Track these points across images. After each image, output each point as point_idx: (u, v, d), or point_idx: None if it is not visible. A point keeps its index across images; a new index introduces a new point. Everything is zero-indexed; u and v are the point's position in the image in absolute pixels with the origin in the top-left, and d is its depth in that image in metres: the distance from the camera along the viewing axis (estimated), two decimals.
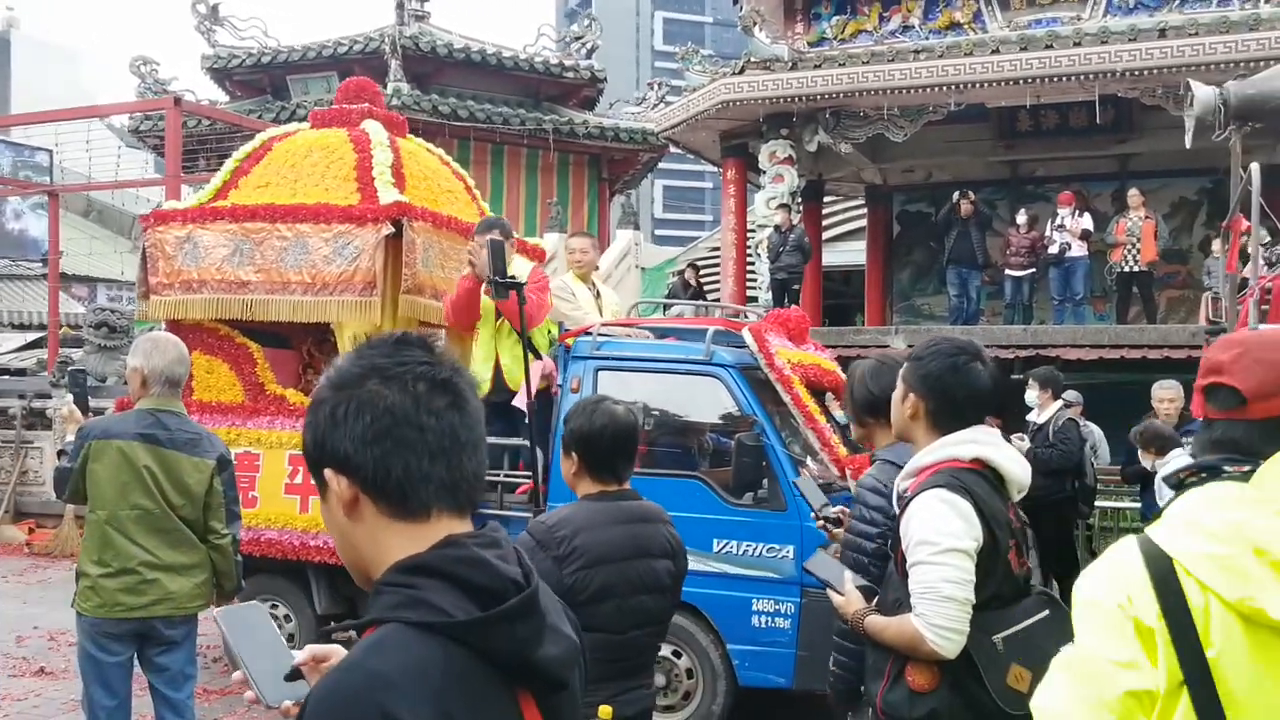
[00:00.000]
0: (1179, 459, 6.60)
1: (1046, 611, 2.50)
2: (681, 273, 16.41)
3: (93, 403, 7.97)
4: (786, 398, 5.39)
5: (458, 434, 1.31)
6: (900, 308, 17.25)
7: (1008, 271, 13.68)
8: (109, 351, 11.35)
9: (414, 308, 6.17)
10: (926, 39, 13.60)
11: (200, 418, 6.15)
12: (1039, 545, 7.94)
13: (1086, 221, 13.11)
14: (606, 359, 5.71)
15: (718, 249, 17.23)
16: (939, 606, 2.40)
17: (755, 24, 13.69)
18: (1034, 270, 13.52)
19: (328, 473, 1.30)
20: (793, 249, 13.33)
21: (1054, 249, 13.08)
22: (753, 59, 13.25)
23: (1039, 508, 7.85)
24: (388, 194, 6.09)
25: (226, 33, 17.84)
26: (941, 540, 2.41)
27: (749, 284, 14.96)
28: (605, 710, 2.75)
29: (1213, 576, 1.34)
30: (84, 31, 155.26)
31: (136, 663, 4.10)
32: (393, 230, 5.96)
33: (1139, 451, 7.00)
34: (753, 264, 14.63)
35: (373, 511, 1.29)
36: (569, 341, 5.88)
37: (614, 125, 18.50)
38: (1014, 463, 2.57)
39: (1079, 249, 13.02)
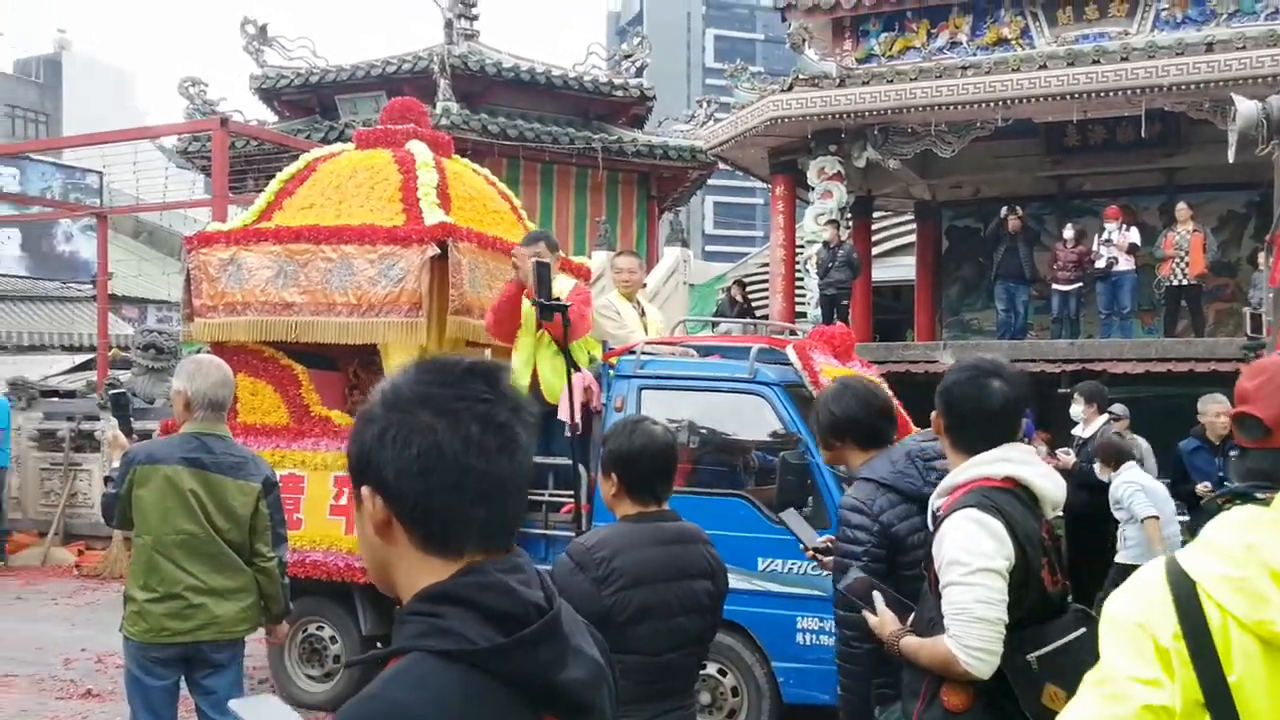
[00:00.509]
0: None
1: (1083, 629, 2.47)
2: (728, 289, 16.36)
3: (140, 424, 8.11)
4: None
5: (504, 480, 1.29)
6: (949, 323, 17.11)
7: (1055, 286, 13.58)
8: (157, 373, 11.50)
9: (461, 328, 6.19)
10: (974, 55, 13.49)
11: (245, 440, 6.19)
12: (1080, 560, 7.83)
13: (1134, 235, 13.01)
14: (650, 378, 5.68)
15: (767, 265, 17.17)
16: (971, 627, 2.39)
17: (804, 41, 13.66)
18: (1081, 285, 13.41)
19: (365, 490, 1.29)
20: (842, 265, 13.26)
21: (1101, 263, 12.98)
22: (801, 76, 13.22)
23: (1081, 522, 7.77)
24: (433, 215, 6.11)
25: (275, 53, 18.10)
26: (973, 560, 2.39)
27: (798, 300, 14.88)
28: None
29: (1229, 599, 1.31)
30: (134, 52, 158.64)
31: (183, 686, 4.10)
32: (438, 251, 5.97)
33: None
34: (801, 280, 14.56)
35: (405, 539, 1.29)
36: (613, 360, 5.85)
37: (663, 143, 18.52)
38: (1047, 480, 2.55)
39: (1126, 263, 12.92)
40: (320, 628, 6.17)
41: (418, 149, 6.59)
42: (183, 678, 4.10)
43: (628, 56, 18.77)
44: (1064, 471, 7.78)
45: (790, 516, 3.81)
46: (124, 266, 21.48)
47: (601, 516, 5.53)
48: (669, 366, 5.79)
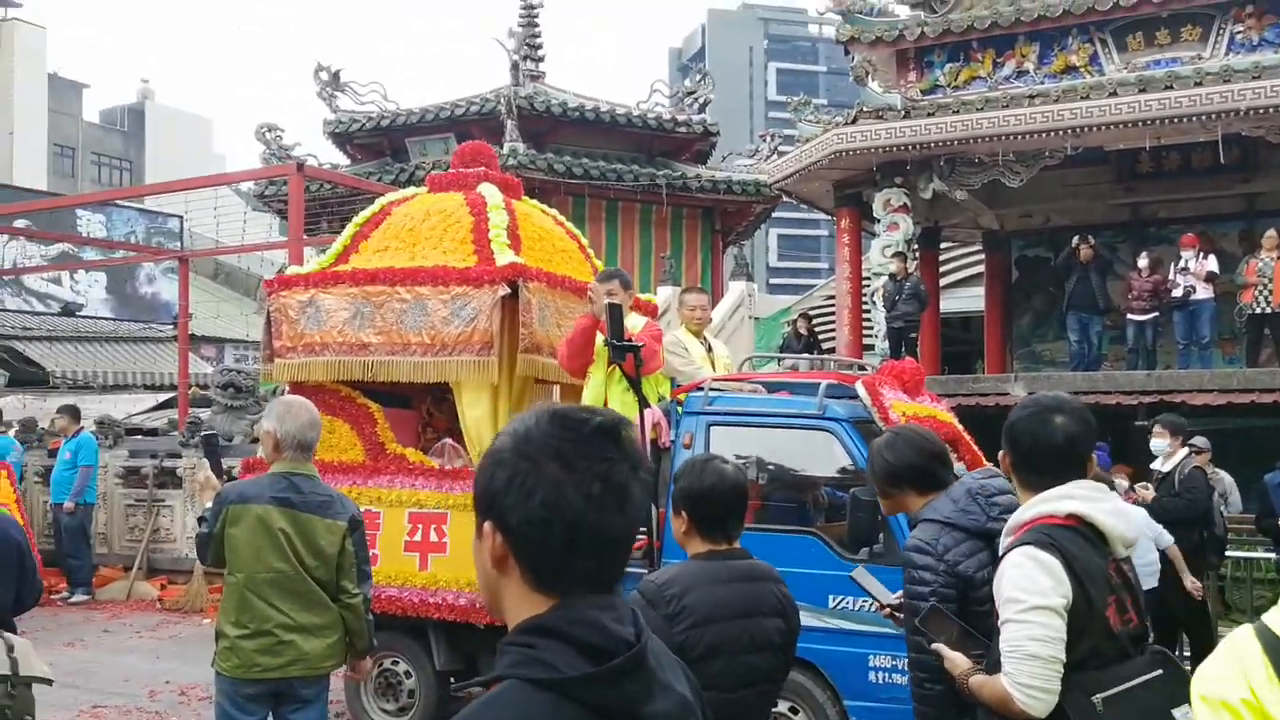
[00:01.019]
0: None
1: (1159, 671, 2.43)
2: (794, 323, 16.33)
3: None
4: None
5: (616, 535, 1.38)
6: (1020, 354, 16.88)
7: (1130, 316, 13.33)
8: (235, 411, 11.78)
9: (531, 366, 6.28)
10: (1042, 83, 13.39)
11: (323, 477, 6.33)
12: (1164, 597, 7.64)
13: (1211, 264, 12.75)
14: (718, 414, 5.71)
15: (833, 297, 17.12)
16: (1024, 664, 2.40)
17: (867, 74, 13.68)
18: (1157, 314, 13.14)
19: (487, 525, 1.38)
20: (909, 297, 13.18)
21: (1178, 292, 12.71)
22: (865, 108, 13.23)
23: (1164, 559, 7.57)
24: (504, 256, 6.23)
25: (347, 98, 18.55)
26: (1028, 598, 2.40)
27: (865, 333, 14.82)
28: None
29: None
30: (213, 99, 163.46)
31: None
32: (509, 291, 6.09)
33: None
34: (868, 313, 14.50)
35: (517, 575, 1.37)
36: (681, 397, 5.90)
37: (726, 178, 18.62)
38: (1114, 517, 2.52)
39: (1204, 291, 12.66)
40: (395, 662, 6.26)
41: (488, 191, 6.73)
42: (270, 714, 4.19)
43: (690, 93, 18.93)
44: (1146, 506, 7.63)
45: (862, 576, 3.82)
46: (203, 308, 22.04)
47: (671, 553, 5.56)
48: (737, 403, 5.82)
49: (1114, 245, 15.77)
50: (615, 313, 4.81)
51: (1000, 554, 2.66)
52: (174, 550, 11.54)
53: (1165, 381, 11.98)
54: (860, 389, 5.51)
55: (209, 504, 4.28)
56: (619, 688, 1.30)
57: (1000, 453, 2.83)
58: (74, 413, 11.63)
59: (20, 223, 20.93)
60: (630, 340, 4.99)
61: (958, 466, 5.72)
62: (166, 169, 35.69)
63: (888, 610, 3.47)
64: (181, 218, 24.86)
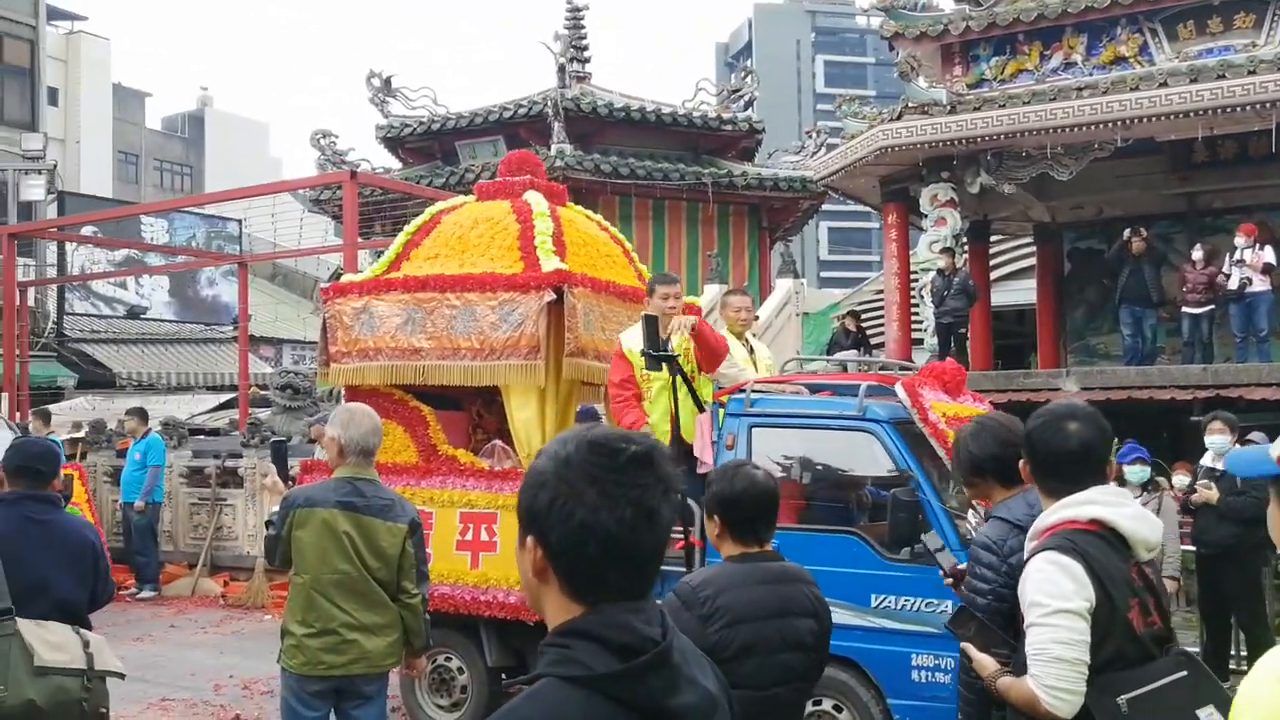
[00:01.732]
0: None
1: (1184, 673, 2.49)
2: (842, 319, 16.34)
3: None
4: (941, 451, 5.37)
5: (645, 551, 1.52)
6: (1074, 347, 16.72)
7: (1184, 309, 13.13)
8: (293, 412, 12.08)
9: (577, 370, 6.43)
10: (1090, 75, 13.28)
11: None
12: (1223, 597, 7.59)
13: (1268, 254, 12.45)
14: (760, 416, 5.81)
15: (882, 292, 17.09)
16: (1050, 667, 2.47)
17: (912, 69, 13.64)
18: (1213, 306, 12.93)
19: (530, 539, 1.53)
20: (957, 292, 13.14)
21: (1233, 284, 12.48)
22: (910, 104, 13.19)
23: (1225, 558, 7.53)
24: (549, 262, 6.38)
25: (399, 103, 18.87)
26: (1051, 602, 2.48)
27: (914, 329, 14.79)
28: None
29: None
30: (270, 105, 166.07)
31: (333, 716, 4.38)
32: (554, 296, 6.24)
33: None
34: (917, 308, 14.48)
35: (555, 583, 1.52)
36: (723, 399, 6.01)
37: (773, 175, 18.66)
38: (1135, 522, 2.58)
39: (1261, 283, 12.38)
40: (449, 659, 6.44)
41: (534, 199, 6.88)
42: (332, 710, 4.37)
43: (735, 91, 18.98)
44: (1208, 506, 7.55)
45: (931, 539, 3.99)
46: (262, 309, 22.54)
47: (715, 554, 5.68)
48: (778, 405, 5.91)
49: (1169, 236, 15.55)
50: (650, 323, 4.94)
51: (1025, 559, 2.73)
52: (236, 548, 11.86)
53: (1221, 375, 11.79)
54: (900, 390, 5.57)
55: (275, 507, 4.47)
56: (645, 683, 1.44)
57: (1020, 461, 2.91)
58: (142, 415, 12.00)
59: (88, 230, 21.55)
60: (666, 352, 5.14)
61: None
62: (225, 173, 36.43)
63: (949, 580, 3.59)
64: (240, 222, 25.44)
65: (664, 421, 6.00)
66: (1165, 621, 2.61)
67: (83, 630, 3.69)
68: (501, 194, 7.09)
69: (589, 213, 7.65)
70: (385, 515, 4.26)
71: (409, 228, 7.22)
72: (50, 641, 3.48)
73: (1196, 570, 8.41)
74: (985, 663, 2.79)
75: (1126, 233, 13.66)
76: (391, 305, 6.64)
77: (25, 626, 3.45)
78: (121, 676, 3.72)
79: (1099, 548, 2.53)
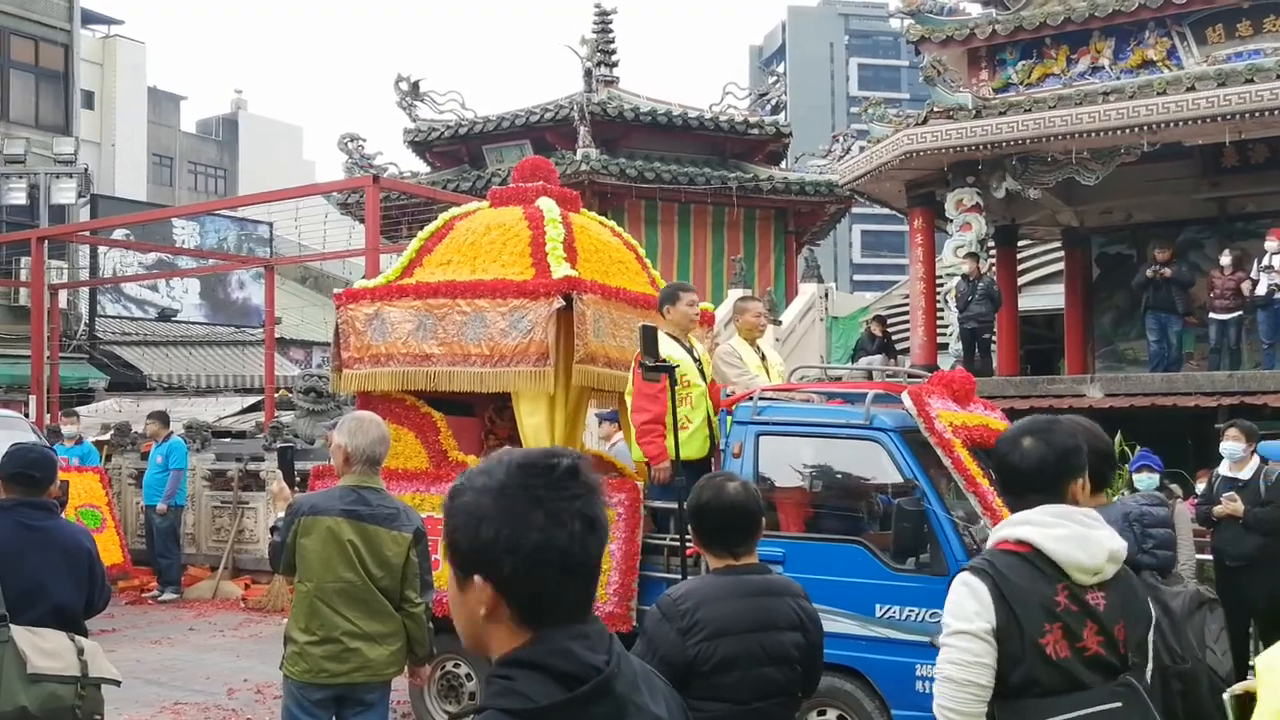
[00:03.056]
0: None
1: (1117, 704, 2.42)
2: (868, 324, 16.25)
3: (301, 464, 8.62)
4: (947, 461, 5.33)
5: (592, 561, 1.50)
6: (1103, 353, 16.55)
7: (1212, 315, 12.97)
8: (316, 415, 12.15)
9: (587, 376, 6.44)
10: (1118, 79, 13.13)
11: (388, 484, 6.54)
12: (1246, 608, 7.48)
13: None
14: (767, 424, 5.79)
15: (909, 296, 16.98)
16: (941, 687, 2.48)
17: (939, 73, 13.54)
18: (1241, 313, 12.76)
19: (476, 578, 1.47)
20: (982, 298, 13.05)
21: (1261, 289, 12.30)
22: (936, 108, 13.11)
23: (1250, 570, 7.43)
24: (559, 269, 6.38)
25: (427, 107, 18.95)
26: (953, 622, 2.48)
27: (939, 334, 14.69)
28: None
29: None
30: (303, 108, 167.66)
31: None
32: (564, 303, 6.25)
33: None
34: (942, 313, 14.37)
35: (506, 615, 1.48)
36: (731, 407, 5.99)
37: (799, 179, 18.60)
38: (1065, 544, 2.47)
39: None
40: (457, 665, 6.46)
41: (546, 205, 6.89)
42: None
43: (763, 95, 18.93)
44: (1231, 518, 7.43)
45: None
46: (290, 312, 22.73)
47: None
48: (786, 412, 5.89)
49: (1200, 242, 15.37)
50: (649, 334, 4.95)
51: None
52: (257, 551, 11.94)
53: (1247, 382, 11.63)
54: (906, 399, 5.53)
55: (281, 513, 4.48)
56: (587, 713, 1.41)
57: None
58: (163, 418, 12.12)
59: (120, 233, 21.81)
60: (664, 362, 5.15)
61: None
62: (259, 176, 36.74)
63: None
64: (270, 225, 25.68)
65: (704, 427, 6.07)
66: (1112, 648, 2.49)
67: (78, 637, 3.72)
68: (514, 200, 7.10)
69: (602, 218, 7.66)
70: (390, 524, 4.25)
71: (422, 234, 7.25)
72: (44, 648, 3.51)
73: (1218, 581, 8.29)
74: None
75: (1151, 271, 13.31)
76: (403, 311, 6.67)
77: (19, 633, 3.48)
78: (117, 683, 3.74)
79: (1019, 569, 2.46)
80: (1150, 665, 2.61)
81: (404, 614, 4.31)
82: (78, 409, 13.85)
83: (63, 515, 4.37)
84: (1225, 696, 3.14)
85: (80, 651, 3.61)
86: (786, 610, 3.08)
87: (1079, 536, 2.50)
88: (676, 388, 5.89)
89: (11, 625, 3.47)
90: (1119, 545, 2.57)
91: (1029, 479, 2.59)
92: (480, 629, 1.51)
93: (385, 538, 4.23)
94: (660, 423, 5.86)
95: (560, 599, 1.47)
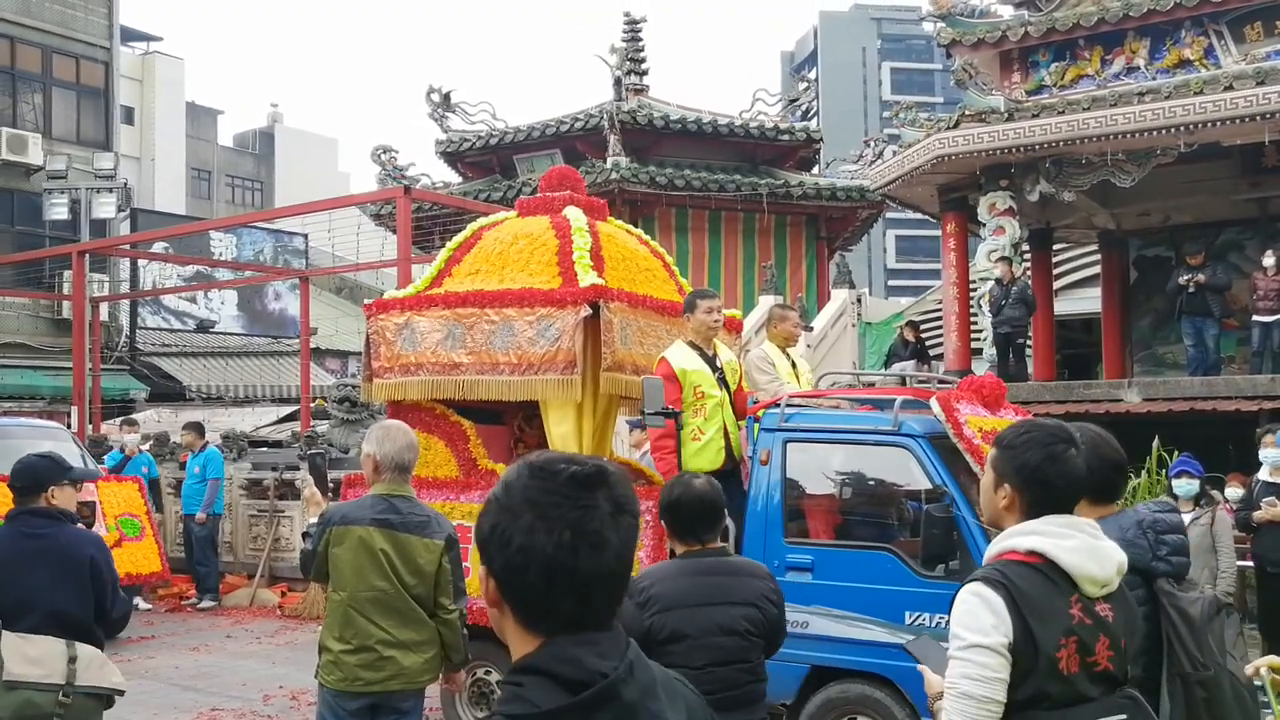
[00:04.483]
0: None
1: (1122, 715, 2.37)
2: (901, 330, 16.16)
3: (335, 473, 8.69)
4: (976, 467, 5.27)
5: (588, 576, 1.46)
6: (1141, 357, 16.34)
7: (1255, 317, 12.76)
8: (351, 424, 12.25)
9: (614, 384, 6.44)
10: (1153, 79, 12.98)
11: (419, 493, 6.58)
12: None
13: None
14: (795, 430, 5.77)
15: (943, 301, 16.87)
16: (958, 702, 2.38)
17: (970, 76, 13.46)
18: None
19: (483, 569, 1.51)
20: (1015, 302, 12.93)
21: None
22: (968, 111, 13.01)
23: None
24: (586, 277, 6.39)
25: (458, 118, 19.08)
26: (968, 635, 2.37)
27: (973, 339, 14.57)
28: None
29: None
30: (338, 120, 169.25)
31: None
32: (591, 312, 6.25)
33: None
34: (976, 318, 14.25)
35: (511, 615, 1.50)
36: (759, 414, 5.97)
37: (830, 184, 18.54)
38: (1077, 555, 2.41)
39: None
40: (488, 672, 6.46)
41: (573, 214, 6.90)
42: None
43: (793, 101, 18.90)
44: (1273, 524, 7.32)
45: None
46: (326, 323, 22.95)
47: None
48: (813, 419, 5.86)
49: (1240, 243, 15.16)
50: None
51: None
52: (293, 559, 12.00)
53: None
54: (934, 405, 5.49)
55: (313, 520, 4.51)
56: (590, 718, 1.41)
57: (988, 483, 2.76)
58: (199, 429, 12.26)
59: (159, 246, 22.12)
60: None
61: None
62: (295, 188, 37.15)
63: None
64: (305, 236, 25.94)
65: (719, 438, 5.98)
66: (1120, 662, 2.44)
67: (79, 645, 3.61)
68: (541, 210, 7.12)
69: (629, 227, 7.66)
70: (422, 532, 4.26)
71: (451, 244, 7.28)
72: (29, 655, 3.47)
73: (1259, 587, 8.17)
74: (933, 682, 2.70)
75: (1184, 279, 13.13)
76: (432, 321, 6.70)
77: (8, 640, 3.42)
78: (120, 693, 3.70)
79: (1033, 581, 2.38)
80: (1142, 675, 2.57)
81: (438, 621, 4.31)
82: (133, 417, 14.01)
83: (75, 525, 4.34)
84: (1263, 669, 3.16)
85: (73, 659, 3.55)
86: (745, 588, 3.41)
87: (1090, 548, 2.44)
88: (690, 399, 5.90)
89: (4, 632, 3.45)
90: (1124, 557, 2.51)
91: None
92: (497, 621, 1.54)
93: (417, 545, 4.23)
94: (673, 437, 5.84)
95: (554, 610, 1.46)
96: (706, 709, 1.69)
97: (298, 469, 12.20)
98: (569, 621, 1.47)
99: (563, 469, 1.49)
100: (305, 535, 4.57)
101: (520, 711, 1.42)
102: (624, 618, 3.04)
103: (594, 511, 1.47)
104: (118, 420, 15.89)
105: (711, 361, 6.12)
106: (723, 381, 6.11)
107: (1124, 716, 2.39)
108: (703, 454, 5.84)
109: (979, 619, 2.37)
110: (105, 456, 12.35)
